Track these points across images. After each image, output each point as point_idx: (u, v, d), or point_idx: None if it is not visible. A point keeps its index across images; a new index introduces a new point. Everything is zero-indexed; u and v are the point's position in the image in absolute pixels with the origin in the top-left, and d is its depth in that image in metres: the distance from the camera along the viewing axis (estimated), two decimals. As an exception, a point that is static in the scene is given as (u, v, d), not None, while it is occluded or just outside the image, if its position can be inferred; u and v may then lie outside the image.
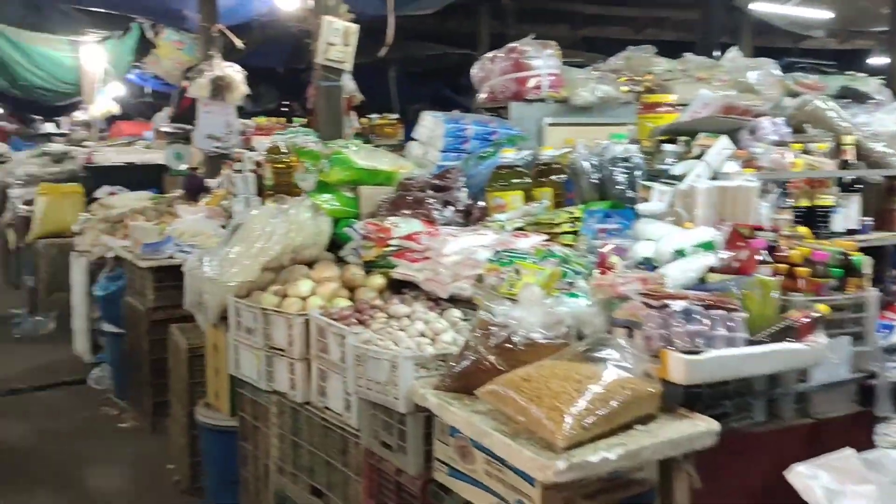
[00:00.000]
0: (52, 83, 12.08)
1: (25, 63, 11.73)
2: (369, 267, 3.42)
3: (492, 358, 2.28)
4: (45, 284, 7.22)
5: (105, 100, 11.73)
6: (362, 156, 3.85)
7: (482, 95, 4.26)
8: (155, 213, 5.41)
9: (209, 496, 3.92)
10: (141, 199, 6.15)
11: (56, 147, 8.74)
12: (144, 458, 4.67)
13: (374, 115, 8.89)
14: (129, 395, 5.37)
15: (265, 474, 3.44)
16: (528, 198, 3.39)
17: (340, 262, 3.62)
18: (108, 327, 5.48)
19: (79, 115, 11.75)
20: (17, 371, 6.17)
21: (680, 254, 2.54)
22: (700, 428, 2.00)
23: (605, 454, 1.84)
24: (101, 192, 7.48)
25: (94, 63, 11.41)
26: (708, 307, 2.15)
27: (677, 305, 2.12)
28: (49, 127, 18.15)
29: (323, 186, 3.87)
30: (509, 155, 3.48)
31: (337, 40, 5.21)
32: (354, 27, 4.99)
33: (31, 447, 4.86)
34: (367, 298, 3.17)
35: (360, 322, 2.86)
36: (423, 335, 2.66)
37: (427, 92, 13.20)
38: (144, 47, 10.88)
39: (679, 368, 2.04)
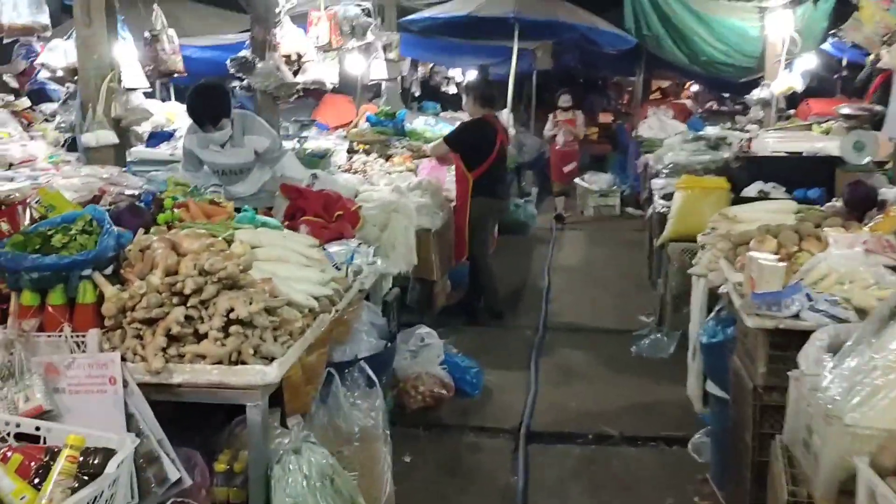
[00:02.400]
0: (733, 57, 10.89)
1: (707, 35, 10.74)
2: None
3: None
4: (673, 297, 6.04)
5: (789, 75, 10.09)
6: None
7: None
8: (793, 237, 3.68)
9: None
10: (782, 210, 4.41)
11: (711, 131, 7.42)
12: None
13: None
14: (726, 488, 3.84)
15: None
16: None
17: None
18: (711, 386, 4.01)
19: (758, 93, 10.32)
20: (614, 406, 5.09)
21: None
22: None
23: None
24: (751, 189, 5.97)
25: (779, 32, 9.86)
26: None
27: None
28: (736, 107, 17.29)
29: None
30: None
31: None
32: None
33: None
34: None
35: None
36: None
37: None
38: (843, 12, 8.96)
39: None
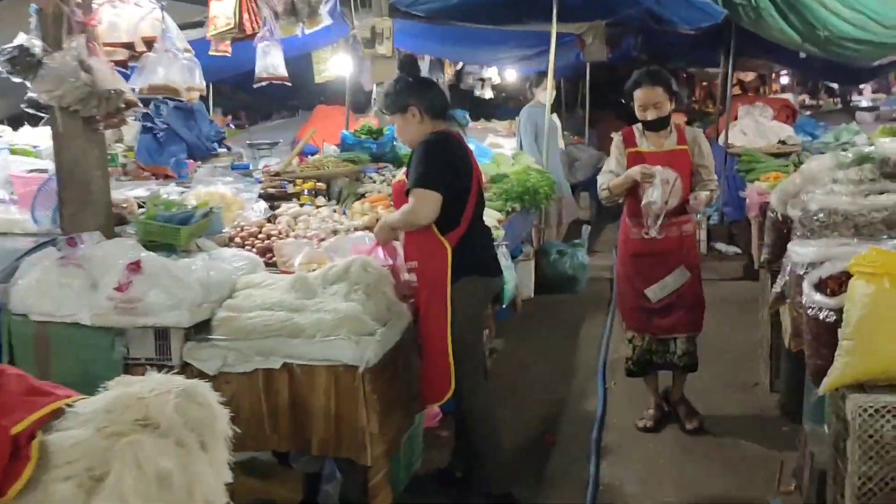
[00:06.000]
0: (869, 30, 7.52)
1: (832, 2, 7.38)
2: None
3: None
4: (856, 495, 2.89)
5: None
6: None
7: None
8: None
9: None
10: None
11: (891, 147, 4.06)
12: None
13: None
14: None
15: None
16: None
17: None
18: None
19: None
20: None
21: None
22: None
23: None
24: None
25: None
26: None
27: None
28: (857, 98, 13.74)
29: None
30: None
31: None
32: None
33: None
34: None
35: None
36: None
37: None
38: None
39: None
